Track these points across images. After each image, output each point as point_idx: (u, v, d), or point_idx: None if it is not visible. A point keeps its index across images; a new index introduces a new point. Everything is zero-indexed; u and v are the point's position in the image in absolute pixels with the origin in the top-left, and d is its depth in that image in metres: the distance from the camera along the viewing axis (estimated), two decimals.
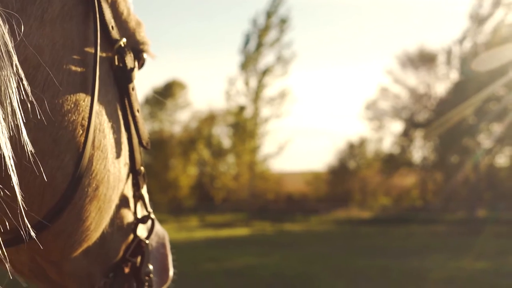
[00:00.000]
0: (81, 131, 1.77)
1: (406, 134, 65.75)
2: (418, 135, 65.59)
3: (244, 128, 60.32)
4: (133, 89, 2.02)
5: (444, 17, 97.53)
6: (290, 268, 19.82)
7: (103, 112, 1.88)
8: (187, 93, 71.52)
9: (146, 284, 2.19)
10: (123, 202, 2.10)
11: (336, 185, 71.84)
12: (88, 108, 1.79)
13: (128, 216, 2.13)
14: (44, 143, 1.71)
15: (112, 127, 1.92)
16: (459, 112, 54.74)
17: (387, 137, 69.72)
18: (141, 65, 2.16)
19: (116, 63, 1.97)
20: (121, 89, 1.99)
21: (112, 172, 1.92)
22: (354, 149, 73.79)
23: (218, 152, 66.54)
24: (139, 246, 2.17)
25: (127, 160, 2.04)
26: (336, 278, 17.73)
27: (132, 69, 2.00)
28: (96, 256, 2.07)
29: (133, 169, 2.10)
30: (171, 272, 2.41)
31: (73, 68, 1.77)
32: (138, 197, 2.16)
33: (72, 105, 1.76)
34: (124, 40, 1.98)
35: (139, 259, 2.18)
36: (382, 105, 67.78)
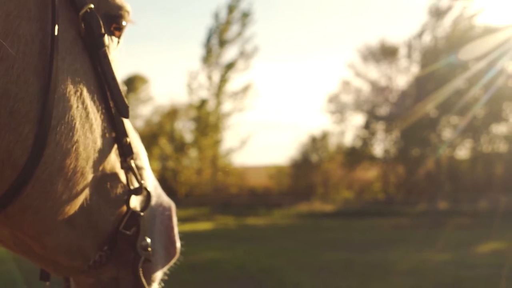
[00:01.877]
0: (40, 102, 1.71)
1: (367, 127, 66.14)
2: (379, 128, 66.05)
3: (206, 122, 60.24)
4: (105, 56, 1.94)
5: (406, 10, 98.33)
6: (253, 262, 19.78)
7: (69, 81, 1.81)
8: (149, 88, 71.30)
9: (144, 257, 2.12)
10: (108, 173, 2.02)
11: (298, 178, 72.01)
12: (49, 78, 1.73)
13: (116, 187, 2.06)
14: (0, 117, 1.65)
15: (82, 96, 1.85)
16: (420, 105, 55.21)
17: (349, 130, 70.04)
18: (118, 31, 2.07)
19: (83, 30, 1.89)
20: (92, 57, 1.92)
21: (83, 142, 1.84)
22: (316, 143, 74.05)
23: (181, 147, 66.25)
24: (133, 218, 2.10)
25: (108, 130, 1.97)
26: (299, 271, 17.74)
27: (101, 35, 1.92)
28: (85, 229, 2.00)
29: (117, 139, 2.02)
30: (178, 244, 2.34)
31: (30, 38, 1.71)
32: (126, 168, 2.08)
33: (30, 76, 1.70)
34: (91, 5, 1.90)
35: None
36: (344, 99, 68.12)
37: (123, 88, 2.12)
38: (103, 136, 1.94)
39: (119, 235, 2.09)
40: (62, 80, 1.78)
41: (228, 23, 61.83)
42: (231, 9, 62.00)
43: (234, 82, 70.52)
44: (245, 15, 62.07)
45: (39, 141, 1.72)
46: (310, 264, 19.56)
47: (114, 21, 2.04)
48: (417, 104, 55.54)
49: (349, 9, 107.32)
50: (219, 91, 60.98)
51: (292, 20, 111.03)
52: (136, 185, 2.13)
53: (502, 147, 63.04)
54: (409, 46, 62.37)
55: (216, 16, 62.35)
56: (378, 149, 67.93)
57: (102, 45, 1.93)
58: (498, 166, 61.68)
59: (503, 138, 62.30)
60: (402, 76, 64.03)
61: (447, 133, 61.33)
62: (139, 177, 2.11)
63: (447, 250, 23.17)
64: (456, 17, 58.08)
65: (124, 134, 2.03)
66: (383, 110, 65.37)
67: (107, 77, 1.95)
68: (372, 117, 65.59)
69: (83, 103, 1.85)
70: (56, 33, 1.78)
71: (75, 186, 1.87)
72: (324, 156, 73.96)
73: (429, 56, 58.45)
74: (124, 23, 2.07)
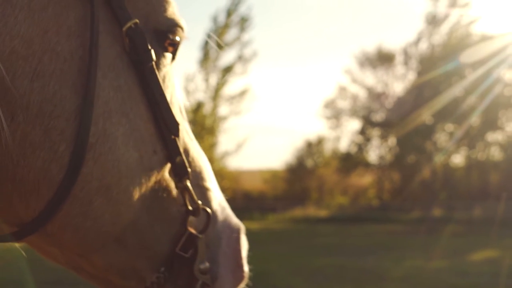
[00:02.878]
0: (77, 120, 1.69)
1: (363, 133, 66.13)
2: (375, 134, 66.06)
3: (202, 125, 60.13)
4: (152, 72, 1.89)
5: (403, 16, 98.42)
6: (247, 266, 19.68)
7: (111, 97, 1.78)
8: None
9: (201, 281, 2.06)
10: (161, 193, 1.96)
11: (293, 183, 71.99)
12: (88, 95, 1.70)
13: (171, 208, 2.01)
14: (35, 136, 1.64)
15: (125, 113, 1.80)
16: (416, 112, 55.20)
17: (345, 136, 70.10)
18: (172, 47, 2.01)
19: (128, 45, 1.84)
20: (138, 73, 1.87)
21: (125, 161, 1.80)
22: (312, 148, 74.03)
23: None
24: (190, 240, 2.04)
25: (157, 148, 1.91)
26: (293, 276, 17.74)
27: (147, 51, 1.87)
28: (138, 249, 1.96)
29: (169, 158, 1.96)
30: (246, 268, 2.27)
31: (69, 55, 1.69)
32: (182, 188, 2.02)
33: (67, 93, 1.68)
34: (136, 21, 1.86)
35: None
36: (340, 104, 68.14)
37: (178, 105, 2.09)
38: (151, 154, 1.89)
39: (176, 257, 2.03)
40: (102, 97, 1.75)
41: (226, 26, 61.73)
42: (229, 13, 61.92)
43: (231, 86, 70.48)
44: (244, 20, 61.99)
45: (76, 159, 1.70)
46: (303, 269, 19.52)
47: (166, 37, 1.98)
48: (413, 111, 55.52)
49: (346, 15, 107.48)
50: (215, 94, 60.85)
51: (289, 25, 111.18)
52: (195, 206, 2.06)
53: (497, 155, 63.14)
54: (406, 53, 62.40)
55: (215, 19, 62.27)
56: (373, 155, 68.00)
57: (147, 61, 1.88)
58: (493, 174, 61.72)
59: (498, 146, 62.37)
60: (398, 83, 64.13)
61: (442, 141, 61.30)
62: (195, 197, 2.04)
63: (442, 257, 23.13)
64: (453, 24, 58.17)
65: (176, 153, 1.97)
66: (379, 116, 65.43)
67: (154, 94, 1.90)
68: (368, 123, 65.61)
69: (127, 120, 1.81)
70: (97, 49, 1.75)
71: (118, 205, 1.83)
72: (319, 161, 73.95)
73: (426, 63, 58.47)
74: (177, 38, 2.01)
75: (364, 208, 62.58)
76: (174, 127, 1.94)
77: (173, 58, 2.06)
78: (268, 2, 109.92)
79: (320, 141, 73.72)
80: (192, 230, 2.05)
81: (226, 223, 2.22)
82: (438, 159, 59.86)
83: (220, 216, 2.20)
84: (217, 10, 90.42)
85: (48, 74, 1.65)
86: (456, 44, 55.76)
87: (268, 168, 75.93)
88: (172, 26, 1.99)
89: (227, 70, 61.02)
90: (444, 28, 58.59)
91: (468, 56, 51.32)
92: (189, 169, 2.02)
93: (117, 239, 1.90)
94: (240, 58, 61.77)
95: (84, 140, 1.70)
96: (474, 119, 57.52)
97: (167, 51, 2.00)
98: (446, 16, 58.08)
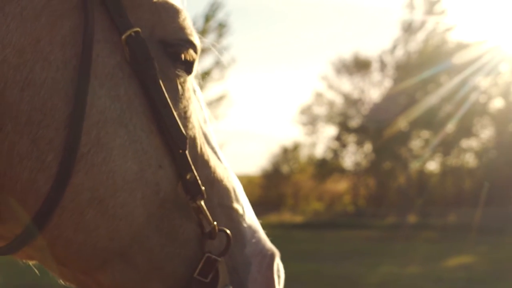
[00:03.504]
0: (67, 129, 1.64)
1: (339, 139, 66.24)
2: (351, 140, 66.19)
3: None
4: (154, 82, 1.82)
5: (381, 24, 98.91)
6: None
7: (107, 107, 1.73)
8: None
9: None
10: (173, 210, 1.89)
11: (269, 189, 71.85)
12: (80, 104, 1.66)
13: (184, 228, 1.93)
14: (22, 145, 1.62)
15: (124, 123, 1.75)
16: (392, 119, 55.40)
17: (321, 142, 70.17)
18: (179, 58, 1.95)
19: (128, 55, 1.80)
20: (141, 83, 1.82)
21: (122, 173, 1.74)
22: (287, 154, 74.01)
23: None
24: (209, 263, 1.95)
25: (164, 163, 1.84)
26: None
27: (147, 61, 1.82)
28: (148, 270, 1.88)
29: (178, 175, 1.88)
30: None
31: (63, 64, 1.66)
32: (196, 208, 1.92)
33: (58, 102, 1.65)
34: (136, 29, 1.81)
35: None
36: (317, 110, 68.17)
37: (196, 119, 2.02)
38: (156, 168, 1.83)
39: (195, 282, 1.94)
40: (97, 106, 1.71)
41: (204, 32, 61.66)
42: (207, 18, 61.84)
43: (209, 91, 70.31)
44: (222, 26, 61.94)
45: (64, 169, 1.66)
46: None
47: (174, 49, 1.94)
48: (389, 118, 55.71)
49: (323, 22, 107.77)
50: None
51: (266, 31, 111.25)
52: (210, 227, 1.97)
53: (472, 162, 63.53)
54: (382, 60, 62.62)
55: (193, 25, 62.19)
56: (349, 161, 68.10)
57: (148, 70, 1.82)
58: (468, 181, 62.06)
59: (473, 153, 62.78)
60: (375, 89, 64.28)
61: (418, 147, 61.58)
62: (210, 218, 1.95)
63: (416, 263, 23.17)
64: (429, 32, 58.42)
65: (186, 169, 1.89)
66: (355, 123, 65.53)
67: (157, 105, 1.83)
68: (344, 129, 65.70)
69: (125, 131, 1.76)
70: (93, 58, 1.72)
71: (115, 220, 1.77)
72: (295, 167, 73.95)
73: (402, 70, 58.69)
74: (190, 51, 1.98)
75: (340, 214, 62.60)
76: (180, 141, 1.86)
77: (190, 71, 2.00)
78: (245, 9, 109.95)
79: (296, 147, 73.72)
80: (211, 253, 1.97)
81: (258, 248, 2.12)
82: (414, 165, 60.12)
83: (249, 239, 2.11)
84: (195, 16, 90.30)
85: (39, 83, 1.63)
86: (432, 52, 56.03)
87: (244, 173, 75.82)
88: (181, 38, 1.95)
89: (205, 75, 60.95)
90: (420, 36, 58.84)
91: (443, 64, 51.58)
92: (203, 188, 1.93)
93: (123, 257, 1.83)
94: (217, 63, 61.76)
95: (74, 149, 1.66)
96: (449, 126, 57.84)
97: (178, 63, 1.95)
98: (422, 24, 58.36)
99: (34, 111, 1.62)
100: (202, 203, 1.93)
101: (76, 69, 1.70)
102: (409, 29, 58.87)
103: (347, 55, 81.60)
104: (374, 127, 58.41)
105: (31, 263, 1.98)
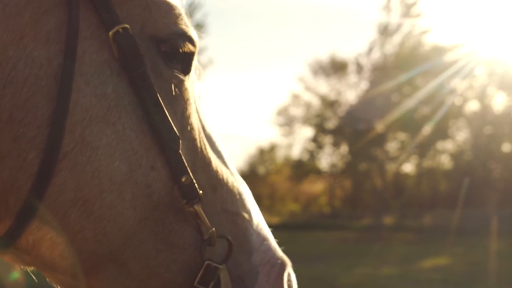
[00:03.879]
0: (49, 127, 1.59)
1: (315, 141, 66.44)
2: (327, 142, 66.41)
3: None
4: (143, 79, 1.73)
5: (358, 26, 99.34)
6: None
7: (93, 105, 1.65)
8: None
9: None
10: (168, 214, 1.79)
11: None
12: (63, 101, 1.60)
13: (180, 232, 1.82)
14: (3, 143, 1.59)
15: (111, 122, 1.67)
16: (368, 121, 55.62)
17: (297, 143, 70.35)
18: (174, 55, 1.85)
19: (116, 52, 1.72)
20: (131, 81, 1.73)
21: (109, 173, 1.66)
22: (264, 155, 74.18)
23: None
24: (209, 271, 1.84)
25: (157, 164, 1.74)
26: None
27: (135, 57, 1.73)
28: (144, 276, 1.79)
29: (173, 177, 1.77)
30: None
31: (47, 61, 1.61)
32: (194, 213, 1.81)
33: (41, 100, 1.60)
34: (124, 25, 1.73)
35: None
36: (293, 112, 68.33)
37: (197, 120, 1.93)
38: (148, 170, 1.74)
39: None
40: (82, 104, 1.65)
41: None
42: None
43: None
44: (199, 26, 61.92)
45: (45, 168, 1.59)
46: None
47: (167, 46, 1.84)
48: (365, 120, 55.94)
49: (300, 24, 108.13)
50: None
51: (244, 33, 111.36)
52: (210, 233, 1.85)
53: (447, 164, 64.03)
54: (358, 63, 62.88)
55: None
56: (325, 162, 68.34)
57: (136, 68, 1.74)
58: (443, 183, 62.53)
59: (448, 155, 63.25)
60: (351, 91, 64.53)
61: (394, 149, 61.94)
62: (207, 224, 1.84)
63: (392, 264, 23.25)
64: (405, 35, 58.73)
65: (181, 171, 1.78)
66: (332, 124, 65.75)
67: (146, 104, 1.75)
68: (320, 130, 65.93)
69: (113, 130, 1.68)
70: (79, 55, 1.66)
71: (103, 222, 1.69)
72: (271, 168, 74.16)
73: (378, 72, 58.97)
74: (186, 48, 1.87)
75: (316, 215, 62.91)
76: (172, 141, 1.77)
77: (188, 70, 1.92)
78: (223, 9, 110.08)
79: (272, 148, 73.98)
80: (211, 261, 1.85)
81: (266, 256, 2.00)
82: (390, 167, 60.43)
83: (257, 247, 1.99)
84: None
85: (22, 80, 1.58)
86: (408, 54, 56.34)
87: None
88: (173, 34, 1.85)
89: None
90: (397, 38, 59.16)
91: (419, 66, 51.87)
92: (200, 191, 1.83)
93: (115, 262, 1.75)
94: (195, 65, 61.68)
95: (56, 148, 1.59)
96: (425, 128, 58.20)
97: (174, 62, 1.86)
98: (398, 26, 58.65)
99: (16, 109, 1.58)
100: (199, 207, 1.84)
101: (60, 66, 1.64)
102: (385, 31, 59.19)
103: (324, 56, 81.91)
104: (350, 128, 58.64)
105: (28, 269, 1.88)
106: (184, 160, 1.80)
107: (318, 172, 68.10)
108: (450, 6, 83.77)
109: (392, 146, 62.09)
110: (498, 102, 60.57)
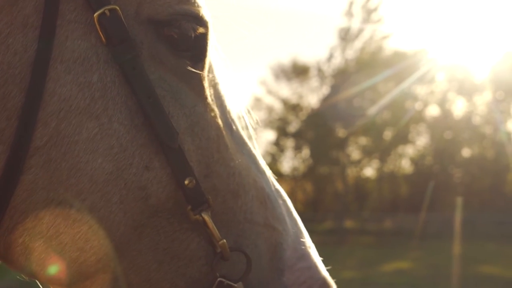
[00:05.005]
0: (19, 119, 1.45)
1: (277, 144, 66.45)
2: (289, 145, 66.47)
3: None
4: (133, 68, 1.53)
5: (320, 30, 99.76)
6: None
7: (73, 95, 1.48)
8: None
9: None
10: (173, 223, 1.59)
11: None
12: (35, 91, 1.46)
13: (188, 244, 1.62)
14: None
15: (95, 115, 1.49)
16: (329, 125, 55.80)
17: (259, 146, 70.28)
18: (180, 40, 1.64)
19: (103, 36, 1.53)
20: (120, 68, 1.55)
21: (88, 171, 1.47)
22: None
23: None
24: None
25: (153, 164, 1.54)
26: None
27: (123, 42, 1.53)
28: None
29: (176, 179, 1.56)
30: None
31: (22, 47, 1.48)
32: (202, 222, 1.60)
33: (12, 89, 1.46)
34: (112, 6, 1.53)
35: None
36: (255, 115, 68.22)
37: (216, 115, 1.72)
38: (141, 170, 1.54)
39: None
40: (60, 94, 1.47)
41: None
42: None
43: None
44: None
45: (13, 164, 1.42)
46: None
47: (168, 28, 1.63)
48: (327, 124, 56.11)
49: (262, 27, 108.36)
50: None
51: None
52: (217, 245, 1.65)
53: (408, 168, 64.48)
54: (320, 67, 63.05)
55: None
56: (287, 166, 68.33)
57: (125, 54, 1.55)
58: (404, 187, 62.96)
59: (409, 160, 63.72)
60: (313, 95, 64.67)
61: (355, 153, 62.26)
62: (216, 235, 1.63)
63: (353, 268, 23.27)
64: (366, 40, 59.06)
65: (185, 173, 1.58)
66: (293, 128, 65.81)
67: (137, 95, 1.54)
68: (282, 134, 65.92)
69: (96, 123, 1.50)
70: (60, 40, 1.49)
71: (83, 227, 1.49)
72: None
73: (339, 77, 59.19)
74: (194, 29, 1.66)
75: None
76: (167, 138, 1.56)
77: (199, 57, 1.70)
78: None
79: None
80: (227, 279, 1.66)
81: (303, 275, 1.78)
82: (351, 171, 60.69)
83: (291, 264, 1.76)
84: None
85: None
86: (369, 59, 56.64)
87: None
88: (176, 15, 1.63)
89: None
90: (358, 43, 59.44)
91: (380, 71, 52.18)
92: (208, 197, 1.63)
93: (111, 273, 1.56)
94: None
95: (25, 142, 1.43)
96: (386, 133, 58.56)
97: (181, 48, 1.65)
98: (359, 32, 58.95)
99: None
100: (207, 215, 1.63)
101: (39, 52, 1.48)
102: (347, 36, 59.42)
103: (285, 60, 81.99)
104: (312, 132, 58.72)
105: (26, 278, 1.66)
106: (188, 161, 1.60)
107: (280, 175, 67.95)
108: (411, 12, 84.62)
109: (353, 150, 62.37)
110: (458, 108, 61.25)
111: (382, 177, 63.71)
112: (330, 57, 61.04)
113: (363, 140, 60.98)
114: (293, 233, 1.80)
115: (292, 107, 65.51)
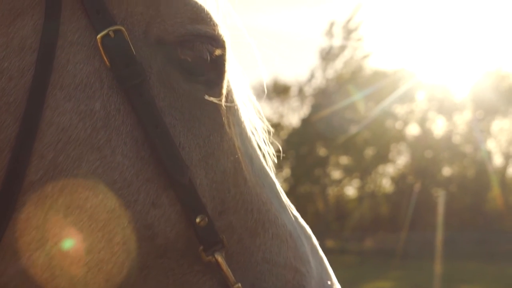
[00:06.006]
0: (13, 151, 1.33)
1: None
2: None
3: None
4: (139, 94, 1.39)
5: (300, 50, 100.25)
6: None
7: (73, 124, 1.35)
8: None
9: None
10: (182, 264, 1.45)
11: None
12: (31, 120, 1.34)
13: (197, 287, 1.47)
14: None
15: (97, 146, 1.36)
16: (310, 144, 55.85)
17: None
18: (192, 64, 1.48)
19: (107, 60, 1.40)
20: (125, 95, 1.41)
21: (87, 209, 1.34)
22: None
23: None
24: None
25: (161, 201, 1.40)
26: None
27: (130, 67, 1.40)
28: None
29: (187, 217, 1.42)
30: None
31: (18, 72, 1.38)
32: (215, 263, 1.44)
33: (6, 118, 1.36)
34: (116, 27, 1.41)
35: None
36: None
37: (235, 144, 1.57)
38: (148, 207, 1.38)
39: None
40: (58, 123, 1.33)
41: None
42: None
43: None
44: None
45: (5, 202, 1.31)
46: None
47: (180, 50, 1.48)
48: (308, 143, 56.16)
49: (242, 46, 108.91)
50: None
51: None
52: None
53: (388, 187, 64.58)
54: (300, 86, 63.28)
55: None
56: None
57: (131, 80, 1.39)
58: (385, 206, 63.01)
59: (389, 179, 63.84)
60: (294, 115, 64.83)
61: (336, 172, 62.35)
62: (231, 278, 1.47)
63: None
64: (346, 60, 59.37)
65: (196, 210, 1.42)
66: (274, 147, 65.86)
67: (145, 124, 1.38)
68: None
69: (98, 155, 1.34)
70: (61, 63, 1.37)
71: (82, 269, 1.35)
72: None
73: (320, 96, 59.39)
74: (210, 49, 1.51)
75: None
76: (176, 172, 1.40)
77: (216, 82, 1.55)
78: None
79: None
80: None
81: None
82: (332, 190, 60.72)
83: None
84: None
85: None
86: (350, 79, 56.88)
87: None
88: (188, 36, 1.48)
89: None
90: (338, 63, 59.72)
91: (360, 90, 52.37)
92: (222, 236, 1.48)
93: None
94: None
95: (18, 176, 1.30)
96: (367, 152, 58.70)
97: (194, 73, 1.49)
98: (340, 51, 59.24)
99: None
100: (221, 256, 1.48)
101: (36, 78, 1.36)
102: (327, 56, 59.69)
103: (266, 79, 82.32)
104: (293, 151, 58.75)
105: None
106: (201, 196, 1.45)
107: None
108: (391, 32, 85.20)
109: (334, 170, 62.45)
110: (438, 127, 61.49)
111: (363, 196, 63.79)
112: (311, 76, 61.26)
113: (344, 159, 61.11)
114: (318, 274, 1.68)
115: (273, 126, 65.62)
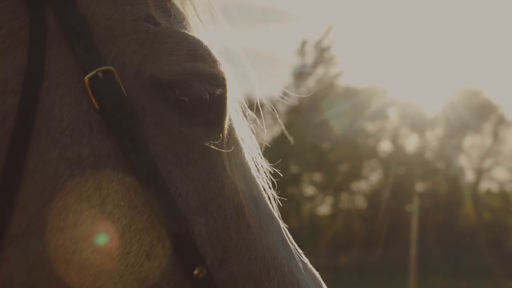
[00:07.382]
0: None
1: None
2: None
3: None
4: (132, 139, 1.29)
5: (273, 68, 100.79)
6: None
7: (58, 173, 1.27)
8: None
9: None
10: None
11: None
12: (12, 170, 1.24)
13: None
14: None
15: (85, 196, 1.26)
16: (283, 161, 55.90)
17: None
18: (188, 104, 1.36)
19: (95, 102, 1.30)
20: (116, 140, 1.31)
21: (74, 263, 1.24)
22: None
23: None
24: None
25: (156, 252, 1.29)
26: None
27: (120, 110, 1.29)
28: None
29: (184, 269, 1.31)
30: None
31: (2, 115, 1.30)
32: None
33: None
34: (105, 68, 1.31)
35: None
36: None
37: (235, 189, 1.47)
38: (141, 259, 1.28)
39: None
40: (42, 172, 1.24)
41: None
42: None
43: None
44: None
45: None
46: None
47: (175, 90, 1.35)
48: (280, 160, 56.25)
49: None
50: None
51: None
52: None
53: (362, 204, 64.79)
54: (273, 104, 63.50)
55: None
56: None
57: (120, 124, 1.28)
58: (358, 223, 63.14)
59: (362, 195, 64.03)
60: (266, 132, 65.01)
61: (309, 189, 62.47)
62: None
63: None
64: (319, 78, 59.68)
65: (193, 261, 1.31)
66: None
67: (137, 171, 1.27)
68: None
69: (87, 205, 1.25)
70: (46, 107, 1.26)
71: None
72: None
73: (292, 114, 59.56)
74: (208, 88, 1.39)
75: None
76: (172, 222, 1.28)
77: (216, 122, 1.43)
78: None
79: None
80: None
81: None
82: (305, 207, 60.77)
83: None
84: None
85: None
86: (322, 97, 57.11)
87: None
88: (184, 75, 1.36)
89: None
90: (311, 81, 59.99)
91: (333, 108, 52.57)
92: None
93: None
94: None
95: (0, 231, 1.22)
96: (340, 169, 58.86)
97: (190, 114, 1.38)
98: (312, 70, 59.53)
99: None
100: None
101: (18, 122, 1.26)
102: (299, 75, 59.96)
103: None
104: None
105: None
106: (199, 246, 1.32)
107: None
108: (363, 49, 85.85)
109: (307, 187, 62.58)
110: (411, 143, 61.88)
111: (337, 213, 63.93)
112: (284, 93, 61.51)
113: (317, 176, 61.19)
114: None
115: None
